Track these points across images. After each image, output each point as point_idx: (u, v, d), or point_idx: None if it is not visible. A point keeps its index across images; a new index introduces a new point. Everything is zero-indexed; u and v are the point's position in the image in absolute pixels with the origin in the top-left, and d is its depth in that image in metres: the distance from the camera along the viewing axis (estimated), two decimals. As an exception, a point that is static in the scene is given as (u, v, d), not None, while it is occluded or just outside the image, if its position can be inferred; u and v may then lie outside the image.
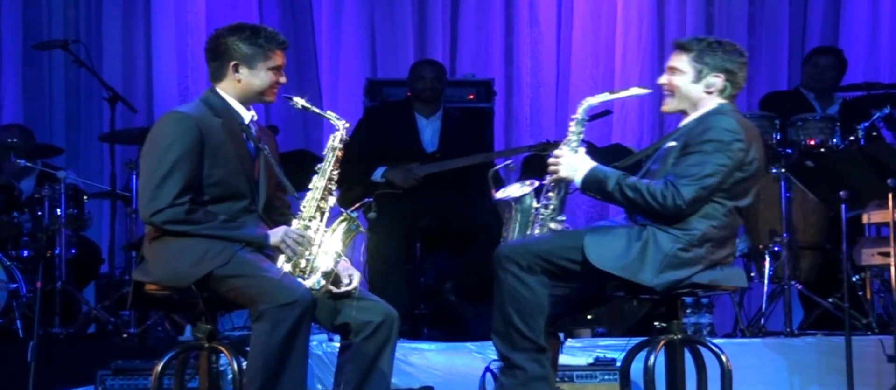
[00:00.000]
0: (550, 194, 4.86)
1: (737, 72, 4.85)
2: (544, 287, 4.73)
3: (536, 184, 4.88)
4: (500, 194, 4.87)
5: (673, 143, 4.80)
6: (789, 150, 7.41)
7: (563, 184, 4.85)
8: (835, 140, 7.35)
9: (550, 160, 4.86)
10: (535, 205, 4.87)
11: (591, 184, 4.79)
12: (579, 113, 4.88)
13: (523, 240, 4.74)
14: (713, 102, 4.83)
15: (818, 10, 9.39)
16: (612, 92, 5.04)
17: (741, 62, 4.87)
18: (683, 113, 4.92)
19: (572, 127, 4.88)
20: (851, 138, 7.16)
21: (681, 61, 4.85)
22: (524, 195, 4.85)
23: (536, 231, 4.85)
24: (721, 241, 4.79)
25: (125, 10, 9.26)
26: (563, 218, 4.86)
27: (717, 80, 4.81)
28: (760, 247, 7.51)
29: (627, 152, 6.50)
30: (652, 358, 4.94)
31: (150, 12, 9.27)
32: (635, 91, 4.96)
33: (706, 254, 4.75)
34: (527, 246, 4.72)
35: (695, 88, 4.83)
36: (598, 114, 5.05)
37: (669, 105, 4.91)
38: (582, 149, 4.86)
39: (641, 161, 4.96)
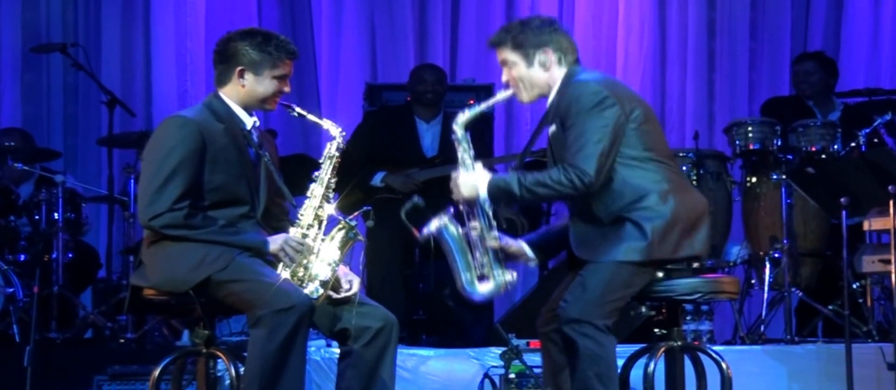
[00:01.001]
0: (472, 216, 4.82)
1: (558, 39, 4.82)
2: (614, 344, 4.70)
3: (451, 210, 4.83)
4: (424, 232, 4.83)
5: (553, 127, 4.78)
6: (790, 156, 7.39)
7: (478, 204, 4.80)
8: (836, 146, 7.34)
9: (450, 186, 4.82)
10: (460, 231, 4.83)
11: (497, 195, 4.77)
12: (457, 131, 4.86)
13: (578, 296, 4.67)
14: (558, 75, 4.81)
15: (820, 15, 9.38)
16: (479, 104, 4.96)
17: (553, 29, 4.85)
18: (543, 97, 4.89)
19: (457, 147, 4.85)
20: (852, 144, 7.14)
21: (506, 54, 4.85)
22: (445, 225, 4.80)
23: (478, 255, 4.81)
24: (681, 190, 4.76)
25: (124, 14, 9.25)
26: (496, 235, 4.81)
27: (547, 55, 4.80)
28: (761, 253, 7.50)
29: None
30: (652, 365, 4.93)
31: (150, 15, 9.26)
32: (502, 94, 4.96)
33: (677, 206, 4.69)
34: (587, 300, 4.66)
35: (534, 72, 4.82)
36: (473, 121, 4.97)
37: (524, 96, 4.89)
38: (478, 165, 4.82)
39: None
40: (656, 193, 4.68)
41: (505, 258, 4.86)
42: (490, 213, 4.82)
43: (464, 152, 4.83)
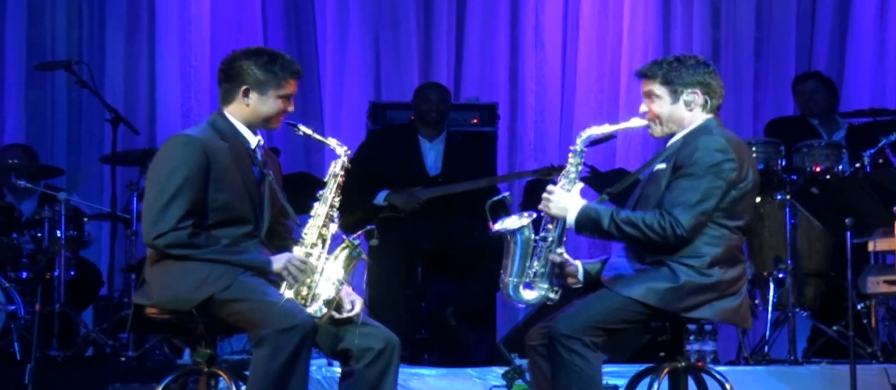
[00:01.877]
0: (549, 226, 4.82)
1: (710, 82, 4.81)
2: (601, 361, 4.70)
3: (534, 215, 4.84)
4: (498, 226, 4.84)
5: (662, 165, 4.76)
6: (794, 177, 7.39)
7: (559, 221, 4.81)
8: (841, 166, 7.33)
9: (543, 195, 4.82)
10: (533, 237, 4.83)
11: (585, 224, 4.75)
12: (578, 144, 4.84)
13: (574, 315, 4.68)
14: (698, 118, 4.79)
15: (824, 35, 9.37)
16: (613, 123, 4.98)
17: (709, 71, 4.83)
18: (671, 135, 4.87)
19: (571, 158, 4.85)
20: (857, 165, 7.13)
21: (653, 86, 4.82)
22: (522, 227, 4.81)
23: (535, 263, 4.81)
24: (730, 262, 4.75)
25: (129, 31, 9.25)
26: (562, 250, 4.82)
27: (695, 96, 4.78)
28: (765, 273, 7.49)
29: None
30: (656, 386, 4.89)
31: (154, 33, 9.26)
32: (636, 122, 4.91)
33: (720, 277, 4.70)
34: (582, 321, 4.66)
35: (676, 109, 4.79)
36: (599, 141, 4.98)
37: (656, 131, 4.87)
38: (578, 185, 4.82)
39: (635, 184, 4.92)
40: (708, 257, 4.67)
41: (559, 274, 4.86)
42: (565, 230, 4.81)
43: (572, 166, 4.83)
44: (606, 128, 4.93)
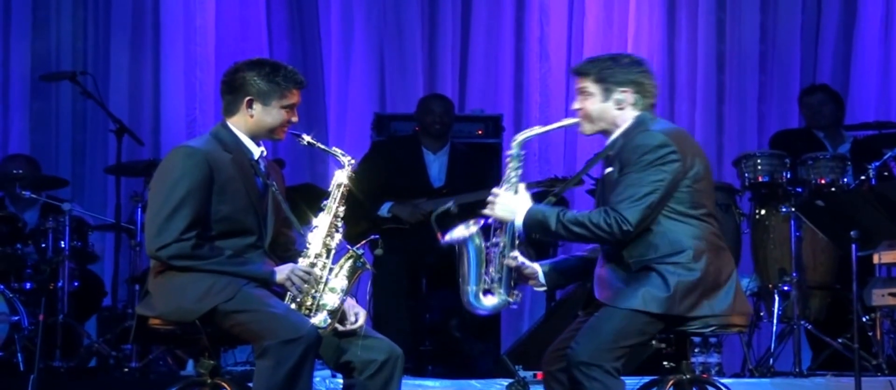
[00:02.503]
0: (498, 231, 4.81)
1: (643, 81, 4.80)
2: (623, 387, 4.67)
3: (482, 222, 4.81)
4: (448, 237, 4.82)
5: (610, 169, 4.76)
6: (799, 189, 7.37)
7: (508, 223, 4.80)
8: (846, 179, 7.32)
9: (488, 199, 4.81)
10: (484, 244, 4.82)
11: (532, 225, 4.75)
12: (514, 148, 4.85)
13: (589, 339, 4.65)
14: (629, 116, 4.79)
15: (829, 48, 9.37)
16: (542, 126, 4.99)
17: (642, 70, 4.83)
18: (604, 133, 4.86)
19: (509, 163, 4.84)
20: (862, 177, 7.12)
21: (586, 84, 4.82)
22: (471, 235, 4.79)
23: (491, 270, 4.80)
24: (713, 250, 4.73)
25: (133, 42, 9.26)
26: (516, 254, 4.80)
27: (626, 95, 4.78)
28: (769, 285, 7.47)
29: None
30: (660, 398, 4.89)
31: (159, 45, 9.27)
32: (568, 121, 4.94)
33: (706, 268, 4.68)
34: (598, 344, 4.63)
35: (606, 107, 4.79)
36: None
37: (586, 128, 4.87)
38: (521, 186, 4.81)
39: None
40: (691, 250, 4.66)
41: (517, 278, 4.85)
42: (516, 234, 4.80)
43: (512, 169, 4.83)
44: (539, 130, 4.94)
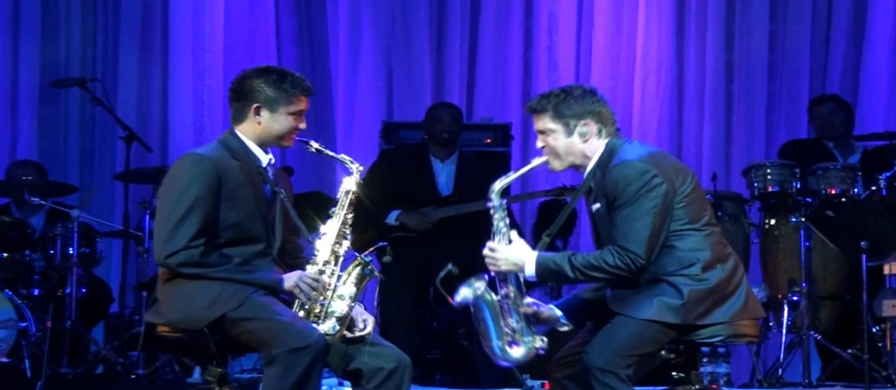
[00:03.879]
0: (505, 284, 4.79)
1: (600, 110, 4.79)
2: None
3: (486, 277, 4.80)
4: (458, 299, 4.80)
5: (597, 206, 4.75)
6: (809, 199, 7.35)
7: (512, 274, 4.78)
8: (856, 189, 7.30)
9: (486, 258, 4.78)
10: (495, 298, 4.80)
11: (547, 276, 4.75)
12: (494, 199, 4.82)
13: (604, 346, 4.65)
14: (598, 146, 4.78)
15: (838, 58, 9.34)
16: (516, 171, 4.99)
17: (596, 99, 4.81)
18: (576, 168, 4.85)
19: (494, 215, 4.82)
20: (873, 188, 7.11)
21: (545, 122, 4.79)
22: (481, 294, 4.77)
23: (511, 320, 4.78)
24: (720, 259, 4.73)
25: (142, 49, 9.27)
26: (530, 300, 4.80)
27: (589, 127, 4.76)
28: (779, 296, 7.45)
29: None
30: (669, 408, 4.88)
31: (168, 52, 9.28)
32: (537, 161, 4.90)
33: (719, 278, 4.69)
34: (613, 351, 4.64)
35: (571, 142, 4.78)
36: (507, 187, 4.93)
37: (556, 165, 4.85)
38: (514, 234, 4.80)
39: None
40: (700, 263, 4.67)
41: (536, 322, 4.84)
42: (522, 280, 4.78)
43: (499, 220, 4.81)
44: (511, 176, 4.92)
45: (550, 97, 4.81)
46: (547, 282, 4.84)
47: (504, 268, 4.75)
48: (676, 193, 4.67)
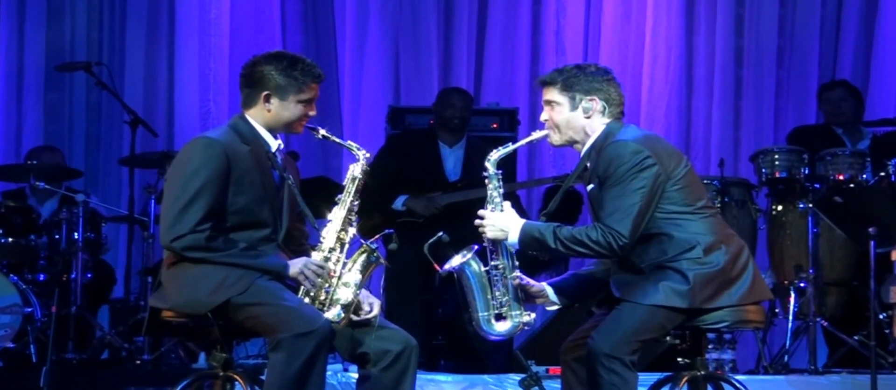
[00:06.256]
0: (495, 254, 4.81)
1: (608, 89, 4.81)
2: (637, 379, 4.69)
3: (476, 247, 4.81)
4: (446, 267, 4.80)
5: (592, 187, 4.76)
6: (817, 185, 7.34)
7: (502, 243, 4.79)
8: (865, 175, 7.29)
9: (477, 223, 4.80)
10: (483, 268, 4.80)
11: (530, 244, 4.76)
12: (489, 168, 4.84)
13: (611, 331, 4.66)
14: (599, 125, 4.79)
15: (849, 44, 9.31)
16: (514, 142, 4.99)
17: (608, 78, 4.84)
18: (573, 145, 4.86)
19: (488, 184, 4.84)
20: (882, 174, 7.09)
21: (553, 94, 4.81)
22: (468, 261, 4.79)
23: (497, 293, 4.79)
24: (723, 241, 4.73)
25: (148, 34, 9.26)
26: (517, 274, 4.80)
27: (593, 104, 4.78)
28: (786, 282, 7.44)
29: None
30: (674, 394, 4.87)
31: (174, 36, 9.27)
32: (537, 134, 4.92)
33: (724, 261, 4.69)
34: (620, 336, 4.65)
35: (574, 116, 4.79)
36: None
37: (555, 139, 4.87)
38: (507, 205, 4.82)
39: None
40: (702, 246, 4.67)
41: (524, 298, 4.84)
42: (513, 253, 4.80)
43: (493, 189, 4.83)
44: (510, 147, 4.92)
45: (563, 71, 4.85)
46: (530, 250, 4.85)
47: (490, 234, 4.77)
48: (669, 177, 4.68)
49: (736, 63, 9.28)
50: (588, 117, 4.78)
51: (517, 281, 4.80)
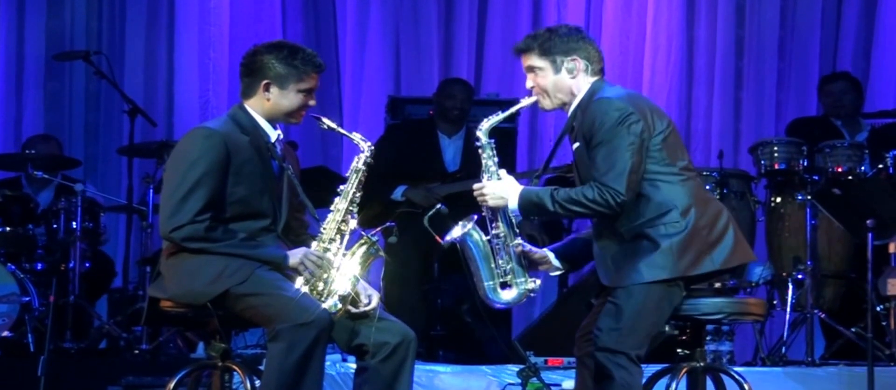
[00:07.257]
0: (495, 223, 4.80)
1: (586, 47, 4.82)
2: (642, 374, 4.70)
3: (475, 217, 4.82)
4: (448, 238, 4.80)
5: (577, 145, 4.76)
6: (816, 177, 7.34)
7: (502, 211, 4.79)
8: (863, 168, 7.29)
9: (476, 194, 4.81)
10: (485, 237, 4.80)
11: (529, 209, 4.77)
12: (482, 137, 4.86)
13: (613, 325, 4.65)
14: (584, 83, 4.79)
15: (850, 35, 9.30)
16: (503, 110, 4.97)
17: (582, 36, 4.84)
18: (564, 107, 4.85)
19: (482, 153, 4.85)
20: (880, 166, 7.09)
21: (533, 59, 4.82)
22: (469, 231, 4.79)
23: (501, 262, 4.79)
24: (700, 204, 4.73)
25: (148, 23, 9.25)
26: (519, 241, 4.80)
27: (575, 63, 4.78)
28: (784, 274, 7.44)
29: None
30: (673, 386, 4.88)
31: (174, 25, 9.26)
32: (526, 101, 4.93)
33: (696, 222, 4.67)
34: (626, 330, 4.64)
35: (560, 79, 4.80)
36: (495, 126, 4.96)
37: (546, 104, 4.88)
38: (503, 172, 4.82)
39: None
40: (678, 209, 4.66)
41: (528, 265, 4.83)
42: (514, 220, 4.79)
43: (488, 158, 4.84)
44: (500, 116, 4.92)
45: (537, 36, 4.85)
46: (529, 215, 4.87)
47: (491, 202, 4.77)
48: (653, 133, 4.68)
49: (736, 54, 9.27)
50: (573, 77, 4.78)
51: (519, 248, 4.79)
